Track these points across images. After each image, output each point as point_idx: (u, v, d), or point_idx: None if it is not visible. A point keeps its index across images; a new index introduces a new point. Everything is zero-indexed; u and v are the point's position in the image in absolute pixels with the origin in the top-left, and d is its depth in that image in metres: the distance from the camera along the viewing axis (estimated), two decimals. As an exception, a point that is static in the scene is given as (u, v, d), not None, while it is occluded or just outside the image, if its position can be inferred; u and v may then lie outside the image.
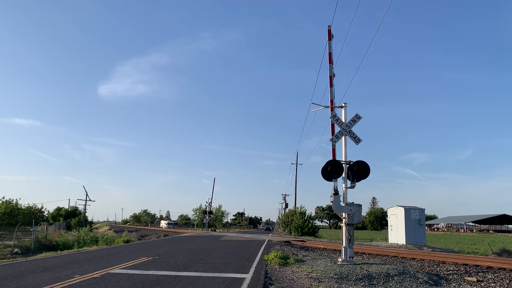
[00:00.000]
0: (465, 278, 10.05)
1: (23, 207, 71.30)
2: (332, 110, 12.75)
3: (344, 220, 11.54)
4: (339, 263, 11.39)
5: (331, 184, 11.57)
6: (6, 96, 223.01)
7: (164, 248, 18.70)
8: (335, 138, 12.18)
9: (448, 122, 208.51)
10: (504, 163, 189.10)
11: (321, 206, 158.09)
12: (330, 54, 12.91)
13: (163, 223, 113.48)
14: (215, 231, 60.72)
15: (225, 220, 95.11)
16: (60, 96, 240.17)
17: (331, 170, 11.45)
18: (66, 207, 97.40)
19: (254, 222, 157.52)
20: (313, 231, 45.02)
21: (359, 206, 11.57)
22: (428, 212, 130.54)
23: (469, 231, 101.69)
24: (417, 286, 8.45)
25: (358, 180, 11.49)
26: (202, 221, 66.46)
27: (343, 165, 11.68)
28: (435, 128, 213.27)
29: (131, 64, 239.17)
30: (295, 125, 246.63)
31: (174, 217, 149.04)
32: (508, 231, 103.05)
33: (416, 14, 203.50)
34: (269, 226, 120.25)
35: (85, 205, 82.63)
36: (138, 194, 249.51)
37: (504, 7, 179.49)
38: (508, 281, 9.40)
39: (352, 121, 12.15)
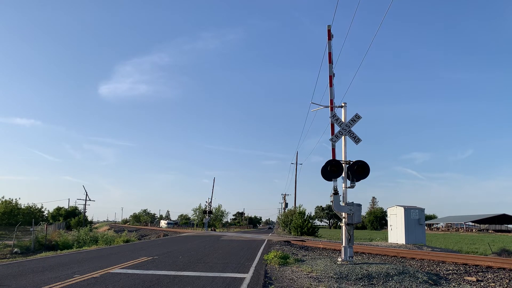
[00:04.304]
0: (465, 277, 10.05)
1: (22, 207, 71.43)
2: (332, 110, 12.75)
3: (343, 219, 11.54)
4: (338, 262, 11.39)
5: (331, 184, 11.58)
6: (6, 96, 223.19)
7: (164, 248, 18.70)
8: (334, 138, 12.18)
9: (448, 121, 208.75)
10: (504, 163, 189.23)
11: (321, 206, 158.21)
12: (330, 54, 12.92)
13: (163, 223, 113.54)
14: (215, 230, 60.71)
15: (225, 220, 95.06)
16: (60, 96, 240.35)
17: (330, 170, 11.45)
18: (66, 207, 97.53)
19: (254, 222, 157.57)
20: (312, 231, 45.02)
21: (359, 205, 11.57)
22: (428, 212, 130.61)
23: (469, 231, 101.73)
24: (417, 285, 8.45)
25: (358, 180, 11.49)
26: (202, 221, 66.45)
27: (343, 164, 11.68)
28: (435, 128, 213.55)
29: (132, 64, 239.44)
30: (295, 125, 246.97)
31: (174, 217, 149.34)
32: (508, 231, 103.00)
33: (416, 13, 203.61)
34: (270, 226, 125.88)
35: (85, 205, 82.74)
36: (138, 194, 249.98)
37: (504, 7, 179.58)
38: (507, 281, 9.40)
39: (352, 121, 12.16)
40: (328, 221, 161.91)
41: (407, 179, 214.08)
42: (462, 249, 27.04)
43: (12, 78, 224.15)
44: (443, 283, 9.16)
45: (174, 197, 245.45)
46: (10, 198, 68.65)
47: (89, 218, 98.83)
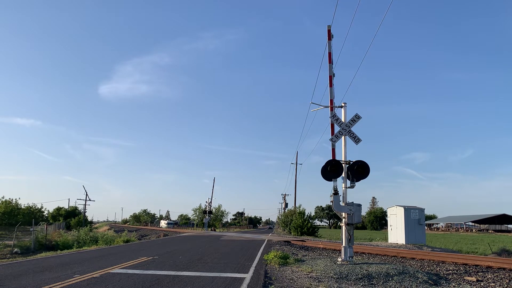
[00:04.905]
0: (465, 277, 10.06)
1: (22, 207, 71.41)
2: (331, 110, 12.76)
3: (343, 219, 11.54)
4: (338, 262, 11.40)
5: (331, 184, 11.58)
6: (6, 96, 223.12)
7: (164, 247, 18.70)
8: (334, 138, 12.18)
9: (448, 121, 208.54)
10: (504, 163, 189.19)
11: (321, 206, 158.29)
12: (330, 54, 12.92)
13: (163, 223, 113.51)
14: (215, 230, 60.71)
15: (224, 220, 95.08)
16: (61, 96, 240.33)
17: (330, 170, 11.46)
18: (66, 207, 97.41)
19: (254, 222, 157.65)
20: (312, 231, 45.03)
21: (359, 205, 11.58)
22: (428, 212, 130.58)
23: (469, 231, 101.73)
24: (416, 285, 8.45)
25: (357, 180, 11.49)
26: (202, 221, 66.45)
27: (343, 165, 11.68)
28: (435, 128, 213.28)
29: (132, 64, 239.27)
30: (296, 125, 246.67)
31: (174, 217, 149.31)
32: (508, 231, 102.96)
33: (417, 13, 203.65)
34: (271, 226, 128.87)
35: (85, 205, 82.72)
36: (138, 194, 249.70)
37: (504, 6, 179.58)
38: (507, 281, 9.40)
39: (351, 121, 12.16)
40: (328, 221, 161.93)
41: (407, 179, 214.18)
42: (462, 249, 27.05)
43: (12, 78, 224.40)
44: (443, 283, 9.17)
45: (174, 197, 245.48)
46: (10, 198, 68.68)
47: (89, 218, 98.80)
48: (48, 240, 27.70)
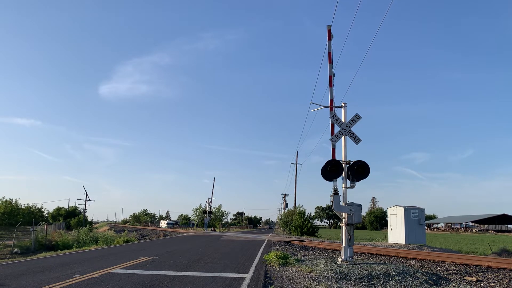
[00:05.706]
0: (465, 277, 10.06)
1: (22, 207, 71.30)
2: (332, 110, 12.75)
3: (343, 220, 11.54)
4: (339, 262, 11.40)
5: (331, 184, 11.58)
6: (6, 96, 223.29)
7: (164, 248, 18.70)
8: (334, 138, 12.18)
9: (448, 121, 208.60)
10: (504, 163, 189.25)
11: (321, 206, 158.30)
12: (330, 54, 12.92)
13: (163, 223, 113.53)
14: (215, 231, 60.69)
15: (225, 220, 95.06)
16: (61, 96, 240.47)
17: (330, 170, 11.45)
18: (66, 207, 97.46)
19: (254, 222, 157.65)
20: (312, 231, 45.05)
21: (359, 206, 11.58)
22: (428, 212, 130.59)
23: (469, 231, 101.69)
24: (417, 286, 8.45)
25: (358, 180, 11.49)
26: (202, 221, 66.44)
27: (343, 165, 11.68)
28: (435, 128, 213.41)
29: (132, 64, 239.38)
30: (295, 125, 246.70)
31: (174, 217, 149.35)
32: (508, 231, 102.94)
33: (416, 13, 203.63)
34: (271, 226, 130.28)
35: (85, 205, 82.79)
36: (138, 194, 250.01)
37: (504, 6, 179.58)
38: (507, 281, 9.40)
39: (352, 121, 12.16)
40: (328, 221, 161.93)
41: (407, 179, 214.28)
42: (462, 249, 27.04)
43: (12, 78, 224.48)
44: (443, 283, 9.17)
45: (174, 197, 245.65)
46: (10, 198, 68.57)
47: (89, 218, 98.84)
48: (48, 240, 27.68)
